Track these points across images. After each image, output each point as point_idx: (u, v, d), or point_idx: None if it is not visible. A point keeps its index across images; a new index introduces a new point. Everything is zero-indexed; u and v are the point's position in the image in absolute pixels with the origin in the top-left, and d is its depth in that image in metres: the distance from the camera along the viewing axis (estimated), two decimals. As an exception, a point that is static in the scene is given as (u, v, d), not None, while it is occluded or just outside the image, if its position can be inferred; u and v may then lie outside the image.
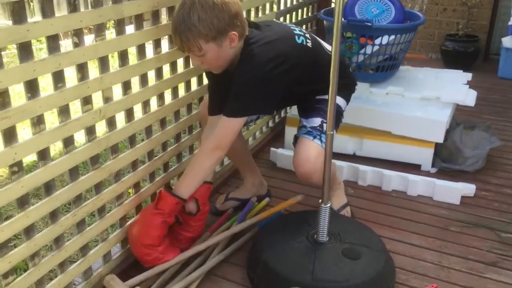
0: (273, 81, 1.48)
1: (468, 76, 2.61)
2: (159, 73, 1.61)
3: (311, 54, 1.60)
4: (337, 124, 1.73)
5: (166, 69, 1.66)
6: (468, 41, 3.76)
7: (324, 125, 1.59)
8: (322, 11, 2.69)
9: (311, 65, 1.59)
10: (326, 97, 1.41)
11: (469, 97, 2.34)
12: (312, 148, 1.59)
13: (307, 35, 1.63)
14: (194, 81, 1.85)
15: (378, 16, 2.51)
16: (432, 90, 2.40)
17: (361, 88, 2.39)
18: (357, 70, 2.48)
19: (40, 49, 3.85)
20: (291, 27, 1.62)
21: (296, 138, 1.68)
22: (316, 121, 1.65)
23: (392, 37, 2.38)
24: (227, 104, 1.51)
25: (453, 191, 2.05)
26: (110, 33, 1.43)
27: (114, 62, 1.60)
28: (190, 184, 1.57)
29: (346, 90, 1.78)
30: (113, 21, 1.38)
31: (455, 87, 2.46)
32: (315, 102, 1.70)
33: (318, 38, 1.73)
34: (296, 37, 1.57)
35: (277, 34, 1.54)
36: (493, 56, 3.95)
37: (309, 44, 1.60)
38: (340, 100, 1.73)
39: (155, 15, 1.54)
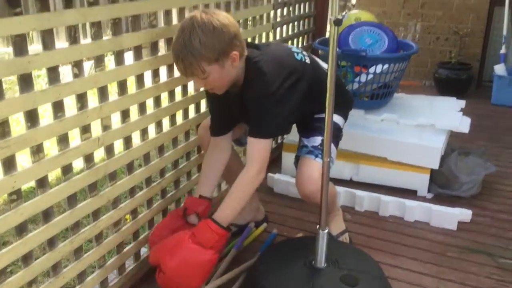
0: (287, 96, 1.52)
1: (462, 103, 2.65)
2: (157, 101, 1.64)
3: (311, 70, 1.65)
4: (337, 141, 1.78)
5: (164, 94, 1.69)
6: (461, 68, 3.83)
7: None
8: (317, 40, 2.75)
9: (311, 81, 1.63)
10: (323, 115, 1.43)
11: (463, 124, 2.38)
12: (315, 167, 1.61)
13: (305, 53, 1.69)
14: (192, 108, 1.87)
15: (371, 46, 2.57)
16: (427, 117, 2.43)
17: (356, 115, 2.43)
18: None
19: (38, 76, 3.89)
20: (289, 46, 1.69)
21: (297, 158, 1.71)
22: (317, 140, 1.68)
23: (386, 66, 2.43)
24: (254, 127, 1.54)
25: (449, 216, 2.06)
26: (108, 60, 1.46)
27: (112, 89, 1.63)
28: (235, 213, 1.55)
29: (344, 108, 1.83)
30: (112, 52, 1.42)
31: (449, 114, 2.50)
32: (314, 121, 1.74)
33: (315, 56, 1.79)
34: (295, 54, 1.63)
35: (278, 51, 1.60)
36: (486, 83, 4.02)
37: (308, 61, 1.66)
38: (338, 118, 1.77)
39: (154, 46, 1.58)
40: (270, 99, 1.49)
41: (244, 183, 1.55)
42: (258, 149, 1.54)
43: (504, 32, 3.73)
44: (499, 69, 3.65)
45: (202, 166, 1.75)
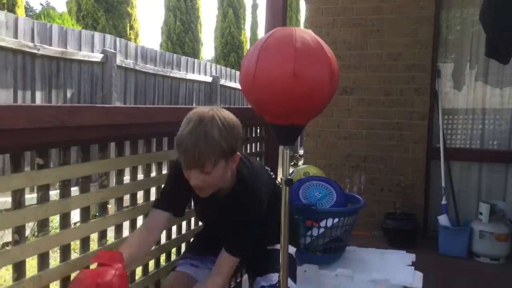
0: (265, 218, 1.57)
1: (412, 257, 2.68)
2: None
3: (276, 186, 1.70)
4: (295, 274, 1.74)
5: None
6: (406, 219, 3.95)
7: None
8: (268, 194, 2.80)
9: (274, 198, 1.61)
10: (276, 246, 1.49)
11: (416, 279, 2.37)
12: None
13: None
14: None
15: (321, 200, 2.63)
16: (380, 271, 2.42)
17: (310, 270, 2.38)
18: (305, 252, 2.49)
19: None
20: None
21: None
22: (274, 277, 1.62)
23: (336, 220, 2.46)
24: (232, 243, 1.56)
25: None
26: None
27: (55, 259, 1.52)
28: None
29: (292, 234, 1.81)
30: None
31: (401, 269, 2.50)
32: (266, 255, 1.69)
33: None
34: (267, 171, 1.72)
35: (258, 166, 1.67)
36: (432, 233, 4.12)
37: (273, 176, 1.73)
38: (291, 249, 1.75)
39: (104, 206, 1.53)
40: (256, 223, 1.54)
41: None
42: (228, 265, 1.56)
43: (443, 184, 3.95)
44: (443, 219, 3.79)
45: (129, 239, 1.51)
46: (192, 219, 2.06)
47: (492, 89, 4.20)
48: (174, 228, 1.95)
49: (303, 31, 1.34)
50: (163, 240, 1.87)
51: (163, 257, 1.92)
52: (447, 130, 4.29)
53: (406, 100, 4.16)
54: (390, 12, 4.17)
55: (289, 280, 1.59)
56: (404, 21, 4.14)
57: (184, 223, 2.01)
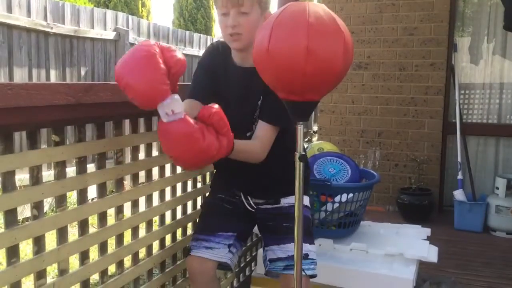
0: None
1: (427, 231, 2.67)
2: (119, 239, 1.57)
3: None
4: (312, 237, 1.77)
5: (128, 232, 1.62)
6: (422, 194, 3.94)
7: (303, 249, 1.59)
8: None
9: None
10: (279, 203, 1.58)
11: (431, 253, 2.37)
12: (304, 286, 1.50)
13: None
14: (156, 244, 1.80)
15: (335, 175, 2.63)
16: (395, 246, 2.42)
17: (325, 244, 2.40)
18: (319, 227, 2.50)
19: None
20: None
21: (271, 273, 1.65)
22: (289, 247, 1.62)
23: (351, 195, 2.46)
24: (267, 111, 1.57)
25: None
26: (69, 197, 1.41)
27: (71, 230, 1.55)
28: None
29: (307, 184, 1.84)
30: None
31: (416, 243, 2.50)
32: (282, 218, 1.68)
33: None
34: None
35: None
36: (448, 208, 4.12)
37: None
38: (306, 200, 1.78)
39: (119, 182, 1.55)
40: None
41: (248, 148, 1.57)
42: (264, 132, 1.58)
43: (459, 159, 3.92)
44: (458, 194, 3.77)
45: None
46: (199, 199, 2.06)
47: (510, 63, 4.11)
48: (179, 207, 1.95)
49: (316, 6, 1.32)
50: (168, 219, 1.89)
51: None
52: (464, 105, 4.23)
53: (421, 75, 4.10)
54: (406, -15, 4.08)
55: (306, 245, 1.62)
56: (420, -6, 4.05)
57: (189, 203, 2.01)
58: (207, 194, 2.02)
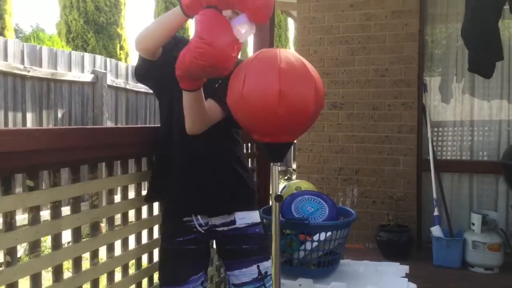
0: None
1: (406, 268, 2.69)
2: (95, 285, 1.54)
3: None
4: (267, 249, 1.74)
5: (103, 277, 1.59)
6: (400, 231, 3.96)
7: (263, 270, 1.57)
8: (261, 209, 2.80)
9: None
10: (250, 219, 1.62)
11: (410, 291, 2.38)
12: None
13: None
14: (132, 290, 1.77)
15: (313, 214, 2.64)
16: (374, 284, 2.42)
17: (305, 284, 2.38)
18: (299, 266, 2.49)
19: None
20: None
21: None
22: (251, 270, 1.61)
23: (329, 233, 2.47)
24: (223, 95, 1.49)
25: None
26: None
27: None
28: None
29: (249, 200, 1.83)
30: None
31: (395, 281, 2.51)
32: (240, 240, 1.68)
33: None
34: None
35: None
36: (426, 244, 4.14)
37: None
38: (257, 216, 1.80)
39: (95, 226, 1.54)
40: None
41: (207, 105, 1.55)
42: (211, 113, 1.56)
43: (434, 196, 3.98)
44: (436, 231, 3.81)
45: None
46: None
47: (479, 101, 4.26)
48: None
49: (287, 52, 1.39)
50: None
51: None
52: (437, 142, 4.34)
53: (394, 114, 4.21)
54: (376, 30, 4.24)
55: (264, 263, 1.66)
56: (389, 38, 4.21)
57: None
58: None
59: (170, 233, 1.76)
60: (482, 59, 3.28)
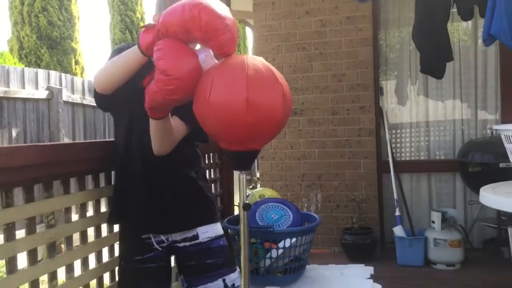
0: None
1: (371, 269, 2.72)
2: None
3: None
4: (234, 260, 1.77)
5: (63, 301, 1.54)
6: (364, 233, 4.02)
7: (229, 283, 1.57)
8: (226, 220, 2.78)
9: None
10: (213, 232, 1.62)
11: (375, 291, 2.41)
12: None
13: None
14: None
15: (278, 221, 2.64)
16: (340, 287, 2.44)
17: (272, 293, 2.38)
18: (266, 274, 2.49)
19: None
20: None
21: None
22: (217, 285, 1.62)
23: (294, 239, 2.48)
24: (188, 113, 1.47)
25: None
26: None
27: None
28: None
29: (211, 213, 1.81)
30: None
31: (360, 283, 2.54)
32: (204, 254, 1.66)
33: None
34: None
35: None
36: (390, 244, 4.22)
37: None
38: (219, 228, 1.78)
39: (52, 247, 1.48)
40: None
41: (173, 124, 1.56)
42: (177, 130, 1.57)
43: (395, 196, 4.07)
44: (398, 230, 3.88)
45: None
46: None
47: (434, 102, 4.40)
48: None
49: (254, 59, 1.37)
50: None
51: None
52: (396, 144, 4.44)
53: (353, 118, 4.28)
54: (331, 36, 4.32)
55: (231, 276, 1.67)
56: (345, 44, 4.29)
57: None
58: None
59: (128, 251, 1.70)
60: (433, 60, 3.39)
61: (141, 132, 1.55)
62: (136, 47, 1.42)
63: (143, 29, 1.39)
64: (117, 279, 1.81)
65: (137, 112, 1.54)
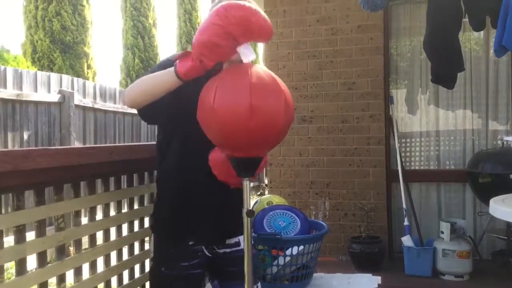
0: None
1: (378, 279, 2.72)
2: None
3: None
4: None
5: None
6: (372, 242, 4.00)
7: None
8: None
9: None
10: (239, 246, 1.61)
11: (383, 301, 2.40)
12: None
13: None
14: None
15: (285, 228, 2.65)
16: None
17: (279, 301, 2.38)
18: (272, 282, 2.49)
19: None
20: None
21: None
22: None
23: (301, 247, 2.48)
24: None
25: None
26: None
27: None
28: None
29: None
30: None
31: (368, 292, 2.53)
32: (242, 261, 1.58)
33: None
34: None
35: None
36: (398, 254, 4.19)
37: None
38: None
39: (61, 249, 1.50)
40: None
41: None
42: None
43: (404, 205, 4.04)
44: (406, 240, 3.86)
45: None
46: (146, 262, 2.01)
47: (444, 112, 4.37)
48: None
49: (257, 67, 1.41)
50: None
51: None
52: (405, 153, 4.42)
53: (362, 127, 4.27)
54: (342, 44, 4.33)
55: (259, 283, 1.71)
56: (355, 52, 4.29)
57: (137, 266, 1.96)
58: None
59: (174, 258, 1.68)
60: (444, 70, 3.38)
61: (201, 141, 1.49)
62: (172, 70, 1.44)
63: (178, 60, 1.43)
64: (125, 282, 1.82)
65: (194, 126, 1.47)
